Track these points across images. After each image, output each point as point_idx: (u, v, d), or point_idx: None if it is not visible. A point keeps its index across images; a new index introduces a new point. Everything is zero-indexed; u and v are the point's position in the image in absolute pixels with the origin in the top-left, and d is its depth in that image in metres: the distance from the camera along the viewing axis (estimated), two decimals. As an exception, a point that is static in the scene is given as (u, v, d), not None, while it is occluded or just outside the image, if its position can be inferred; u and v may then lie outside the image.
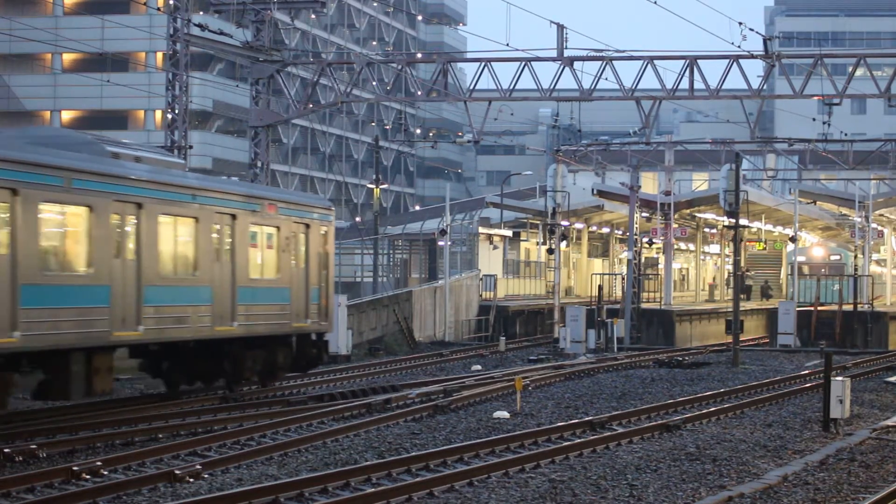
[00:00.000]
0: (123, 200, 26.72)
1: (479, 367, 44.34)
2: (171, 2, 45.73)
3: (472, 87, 47.01)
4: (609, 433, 25.98)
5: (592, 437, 25.11)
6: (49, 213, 24.73)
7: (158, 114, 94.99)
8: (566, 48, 45.10)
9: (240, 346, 31.78)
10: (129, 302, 26.89)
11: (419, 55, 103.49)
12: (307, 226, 34.03)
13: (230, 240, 30.62)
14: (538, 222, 73.88)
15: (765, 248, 77.41)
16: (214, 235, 30.02)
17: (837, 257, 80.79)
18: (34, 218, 24.11)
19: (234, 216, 30.68)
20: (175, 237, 28.79)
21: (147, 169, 28.00)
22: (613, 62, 45.26)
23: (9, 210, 23.48)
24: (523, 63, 45.50)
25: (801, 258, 76.97)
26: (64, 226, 25.43)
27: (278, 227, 32.67)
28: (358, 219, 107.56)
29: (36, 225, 24.15)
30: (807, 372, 42.05)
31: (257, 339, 32.36)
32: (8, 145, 24.44)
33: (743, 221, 49.65)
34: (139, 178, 27.40)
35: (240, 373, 32.26)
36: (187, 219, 29.06)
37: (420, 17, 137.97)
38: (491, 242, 75.37)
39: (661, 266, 78.10)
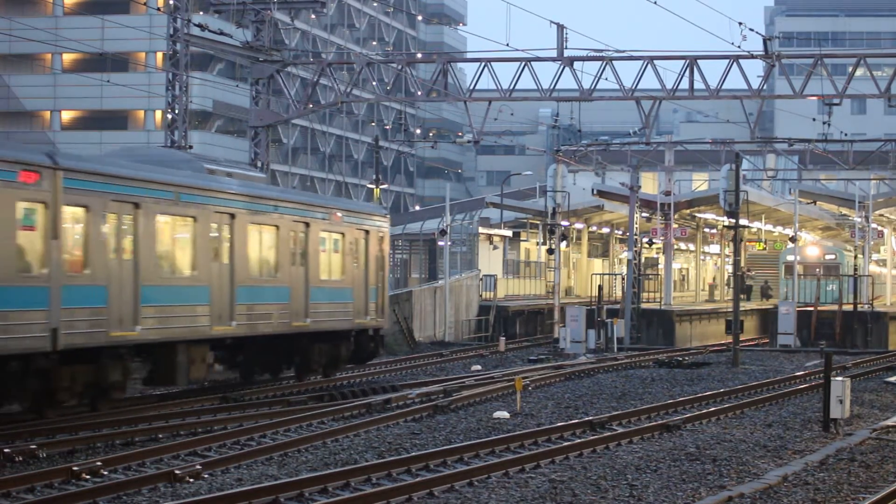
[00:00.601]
0: (220, 212, 30.44)
1: (479, 367, 44.34)
2: (171, 2, 45.75)
3: (472, 87, 47.03)
4: (609, 433, 25.98)
5: (592, 437, 25.11)
6: (163, 223, 28.50)
7: (158, 114, 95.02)
8: (566, 48, 45.13)
9: (309, 340, 35.12)
10: (225, 300, 30.58)
11: (419, 55, 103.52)
12: (367, 232, 37.56)
13: (304, 245, 34.26)
14: (538, 222, 73.88)
15: (765, 249, 77.41)
16: (291, 241, 33.69)
17: (833, 257, 77.59)
18: (152, 227, 27.94)
19: (307, 224, 34.32)
20: (260, 243, 32.35)
21: (237, 183, 31.77)
22: (613, 62, 45.27)
23: (132, 221, 27.39)
24: (523, 63, 45.51)
25: (792, 257, 74.50)
26: (174, 234, 29.08)
27: (343, 234, 36.28)
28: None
29: (153, 234, 28.01)
30: (806, 372, 42.04)
31: (324, 334, 35.62)
32: (132, 166, 28.26)
33: (743, 221, 49.67)
34: (232, 191, 31.14)
35: (307, 364, 35.67)
36: (270, 227, 32.74)
37: (420, 17, 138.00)
38: (491, 242, 75.37)
39: (661, 266, 78.12)
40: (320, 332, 35.12)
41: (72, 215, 25.74)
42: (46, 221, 25.00)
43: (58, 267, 25.25)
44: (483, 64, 46.43)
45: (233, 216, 30.94)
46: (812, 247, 77.23)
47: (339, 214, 36.27)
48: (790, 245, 73.20)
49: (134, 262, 27.48)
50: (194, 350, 29.72)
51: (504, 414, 29.26)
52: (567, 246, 71.06)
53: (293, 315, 33.62)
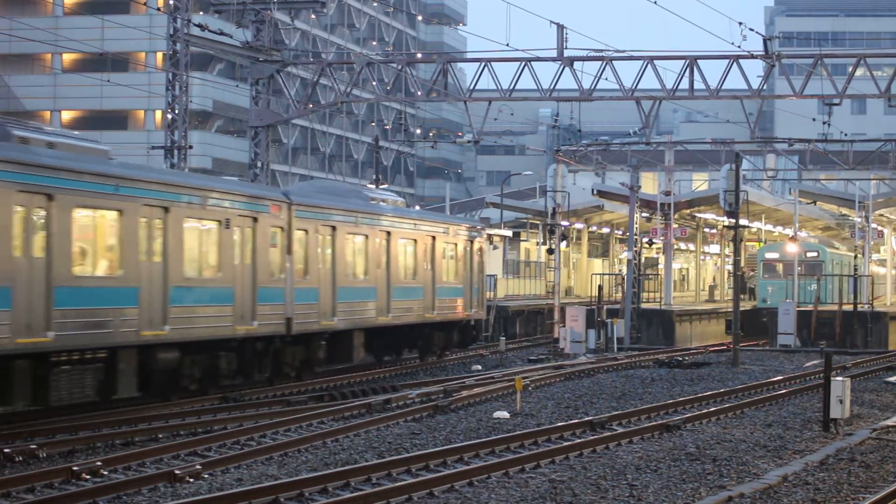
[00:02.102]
0: (381, 230, 40.00)
1: (479, 367, 44.34)
2: (171, 2, 45.75)
3: (472, 87, 47.02)
4: (609, 433, 25.97)
5: (592, 437, 25.10)
6: (349, 239, 38.01)
7: (158, 114, 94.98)
8: (566, 48, 45.13)
9: (431, 329, 44.38)
10: (384, 298, 40.01)
11: (419, 55, 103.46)
12: (471, 242, 47.24)
13: (432, 254, 43.69)
14: (538, 222, 73.93)
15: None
16: (425, 251, 43.16)
17: (815, 254, 71.50)
18: (343, 244, 37.53)
19: (434, 238, 43.87)
20: (405, 253, 41.90)
21: (391, 209, 41.43)
22: (613, 62, 45.27)
23: (332, 239, 36.82)
24: (523, 63, 45.50)
25: (773, 255, 70.74)
26: (354, 248, 38.38)
27: (456, 245, 45.99)
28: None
29: (344, 248, 37.60)
30: (805, 373, 42.03)
31: (443, 324, 45.03)
32: (329, 199, 37.72)
33: (743, 221, 49.67)
34: (388, 214, 40.80)
35: (427, 348, 44.95)
36: (410, 241, 42.22)
37: (420, 17, 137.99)
38: (491, 242, 75.38)
39: (661, 266, 78.10)
40: (441, 322, 44.64)
41: (298, 236, 34.98)
42: (284, 241, 34.29)
43: (290, 274, 34.43)
44: (483, 64, 46.42)
45: (389, 233, 40.50)
46: (792, 243, 71.92)
47: (454, 229, 45.92)
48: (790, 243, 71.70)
49: (332, 269, 36.77)
50: (359, 336, 38.72)
51: (504, 414, 29.26)
52: (567, 246, 71.06)
53: (425, 309, 43.19)
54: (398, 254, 41.08)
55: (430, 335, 44.55)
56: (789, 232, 70.74)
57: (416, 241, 42.36)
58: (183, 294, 29.56)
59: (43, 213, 25.16)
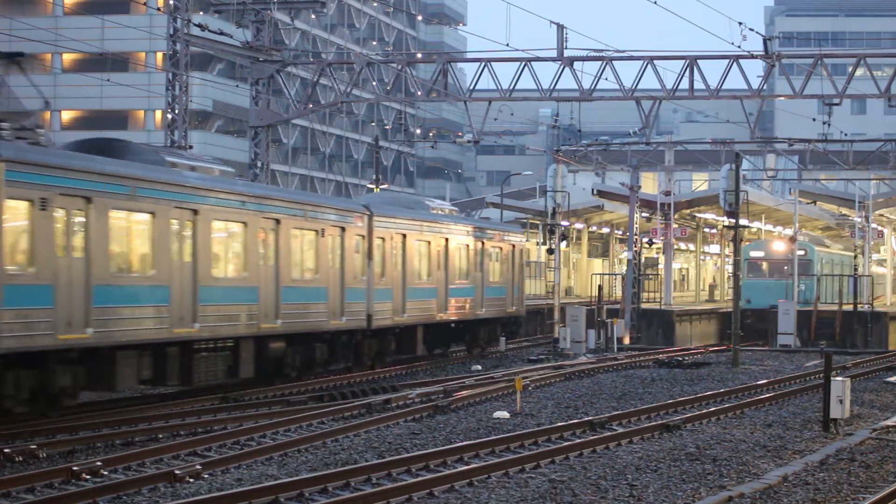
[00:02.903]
0: (443, 237, 45.19)
1: (479, 367, 44.34)
2: (171, 2, 45.75)
3: (472, 87, 47.03)
4: (609, 433, 25.97)
5: (592, 437, 25.09)
6: (416, 246, 43.10)
7: (158, 114, 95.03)
8: (566, 48, 45.15)
9: (478, 324, 49.11)
10: (442, 296, 45.04)
11: (419, 55, 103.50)
12: (513, 246, 51.76)
13: (481, 257, 48.55)
14: (538, 222, 73.83)
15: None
16: (475, 254, 48.01)
17: (802, 253, 67.35)
18: (412, 249, 42.58)
19: (482, 242, 48.75)
20: (460, 257, 46.61)
21: (450, 217, 47.34)
22: (613, 62, 45.28)
23: (402, 245, 41.82)
24: (523, 63, 45.51)
25: (757, 254, 67.93)
26: (419, 253, 43.32)
27: (501, 248, 50.59)
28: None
29: (412, 253, 42.50)
30: (805, 373, 42.03)
31: (489, 320, 49.73)
32: (398, 210, 42.86)
33: (743, 221, 49.64)
34: (445, 222, 46.04)
35: (475, 341, 49.26)
36: (464, 246, 47.14)
37: (420, 17, 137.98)
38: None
39: (661, 266, 78.07)
40: (488, 318, 49.39)
41: (377, 243, 39.94)
42: (365, 247, 39.14)
43: (371, 276, 39.37)
44: (483, 64, 46.43)
45: (447, 240, 45.39)
46: (778, 241, 68.83)
47: (499, 234, 50.74)
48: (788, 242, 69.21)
49: (403, 272, 41.88)
50: (420, 331, 43.87)
51: (504, 414, 29.26)
52: (567, 246, 71.02)
53: (476, 306, 47.99)
54: (454, 257, 46.12)
55: (477, 330, 49.33)
56: (789, 232, 70.53)
57: (468, 245, 47.56)
58: (290, 293, 34.48)
59: (190, 225, 29.96)
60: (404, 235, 41.98)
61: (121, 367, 27.72)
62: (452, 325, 47.10)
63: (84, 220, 26.25)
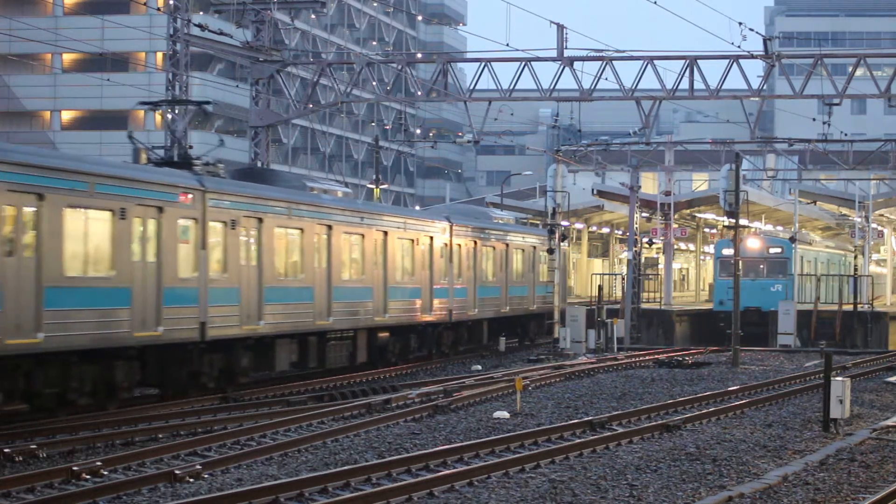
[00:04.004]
0: (505, 243, 52.43)
1: (479, 367, 44.35)
2: (171, 2, 45.74)
3: (472, 87, 47.02)
4: (609, 433, 25.97)
5: (592, 437, 25.10)
6: (486, 251, 50.37)
7: (158, 114, 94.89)
8: (566, 48, 45.14)
9: (529, 318, 56.10)
10: (504, 294, 52.04)
11: (419, 55, 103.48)
12: (534, 248, 56.56)
13: (534, 260, 55.73)
14: (538, 222, 73.75)
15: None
16: (530, 257, 55.25)
17: (778, 250, 63.10)
18: (483, 253, 49.92)
19: (535, 248, 56.13)
20: (518, 260, 53.83)
21: (512, 226, 54.90)
22: (613, 62, 45.27)
23: (474, 249, 48.80)
24: (523, 63, 45.51)
25: (731, 251, 58.68)
26: (487, 257, 50.31)
27: (534, 248, 56.45)
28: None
29: (483, 256, 49.73)
30: (804, 373, 42.02)
31: (538, 315, 56.75)
32: (471, 221, 49.71)
33: (743, 221, 49.58)
34: (508, 230, 53.63)
35: (525, 334, 56.41)
36: (520, 250, 54.26)
37: (420, 17, 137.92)
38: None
39: (661, 266, 78.04)
40: (538, 313, 56.41)
41: (455, 249, 47.03)
42: (447, 252, 46.36)
43: (451, 277, 46.41)
44: (483, 64, 46.43)
45: (507, 245, 52.60)
46: (753, 238, 63.46)
47: (545, 239, 57.49)
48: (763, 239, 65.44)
49: (474, 274, 48.79)
50: (486, 324, 50.68)
51: (504, 414, 29.26)
52: (567, 246, 71.00)
53: (529, 303, 55.26)
54: (514, 260, 53.28)
55: (527, 324, 56.36)
56: (789, 232, 70.41)
57: (523, 250, 54.59)
58: (394, 292, 41.61)
59: (326, 238, 37.08)
60: (475, 242, 49.16)
61: (279, 351, 34.51)
62: (512, 318, 53.84)
63: (257, 235, 33.42)
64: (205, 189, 30.93)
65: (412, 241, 43.08)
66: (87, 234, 26.83)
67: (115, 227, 27.62)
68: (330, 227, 37.21)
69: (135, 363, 28.90)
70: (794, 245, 65.05)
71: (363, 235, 39.41)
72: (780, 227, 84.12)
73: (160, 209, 29.18)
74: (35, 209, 25.17)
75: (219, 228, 31.58)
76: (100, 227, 27.26)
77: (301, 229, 35.54)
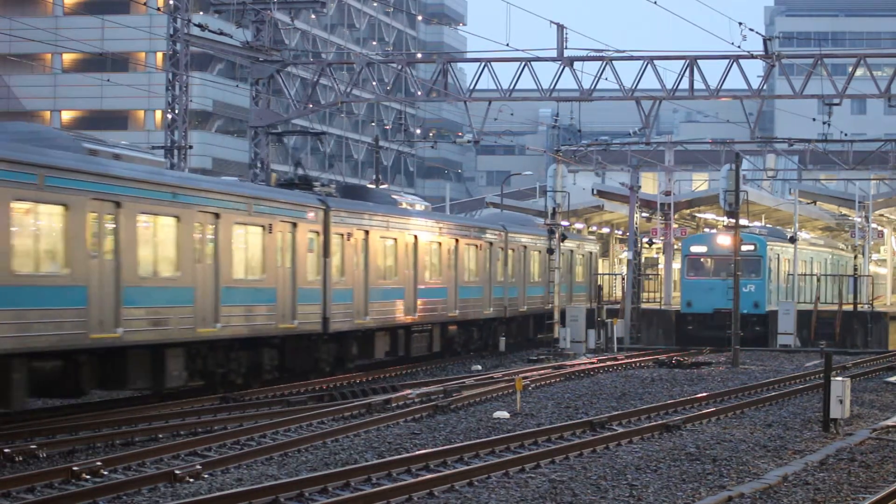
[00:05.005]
0: (523, 246, 55.74)
1: (479, 367, 44.35)
2: (171, 2, 45.75)
3: (472, 87, 47.00)
4: (609, 433, 25.97)
5: (592, 437, 25.10)
6: (533, 253, 56.57)
7: (158, 114, 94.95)
8: (566, 48, 45.10)
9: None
10: (547, 294, 56.47)
11: (419, 55, 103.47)
12: (591, 252, 64.73)
13: (571, 261, 61.77)
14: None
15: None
16: (562, 261, 58.02)
17: (751, 248, 57.37)
18: (520, 256, 55.18)
19: (572, 251, 61.97)
20: (561, 264, 57.30)
21: (536, 231, 57.48)
22: (613, 62, 45.25)
23: (513, 252, 53.86)
24: (523, 63, 45.49)
25: (699, 248, 58.52)
26: (538, 259, 57.21)
27: (571, 251, 61.95)
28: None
29: (516, 259, 54.52)
30: (804, 373, 42.01)
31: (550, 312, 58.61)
32: (517, 228, 55.45)
33: (743, 221, 49.52)
34: (535, 234, 57.04)
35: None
36: (569, 251, 60.38)
37: (420, 17, 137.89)
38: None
39: (661, 266, 77.99)
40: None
41: (510, 253, 53.09)
42: (503, 256, 52.37)
43: (507, 277, 52.66)
44: (483, 64, 46.41)
45: (525, 247, 56.05)
46: (723, 235, 58.89)
47: (581, 244, 64.57)
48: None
49: (523, 274, 54.78)
50: (533, 319, 56.69)
51: (504, 414, 29.26)
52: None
53: (568, 300, 59.16)
54: (531, 262, 57.14)
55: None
56: (789, 232, 70.32)
57: (562, 253, 58.52)
58: (463, 291, 47.86)
59: (412, 246, 43.24)
60: (524, 247, 55.24)
61: (377, 342, 40.97)
62: (551, 313, 56.74)
63: (364, 245, 39.74)
64: (327, 207, 37.50)
65: (476, 246, 49.64)
66: (247, 245, 33.24)
67: (265, 239, 33.99)
68: (416, 237, 43.75)
69: (275, 350, 34.87)
70: (794, 243, 64.99)
71: (440, 243, 46.10)
72: (756, 224, 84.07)
73: (294, 224, 35.64)
74: (212, 226, 31.58)
75: (337, 240, 38.01)
76: (255, 239, 33.67)
77: (395, 239, 42.25)
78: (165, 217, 29.73)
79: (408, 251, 43.12)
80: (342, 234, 38.21)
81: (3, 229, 24.66)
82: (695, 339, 55.69)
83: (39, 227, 25.83)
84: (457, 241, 47.27)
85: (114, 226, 27.82)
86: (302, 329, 35.72)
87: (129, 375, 28.65)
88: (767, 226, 74.40)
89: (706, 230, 64.27)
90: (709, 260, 57.86)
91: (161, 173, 30.63)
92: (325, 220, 37.28)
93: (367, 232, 39.77)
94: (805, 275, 66.05)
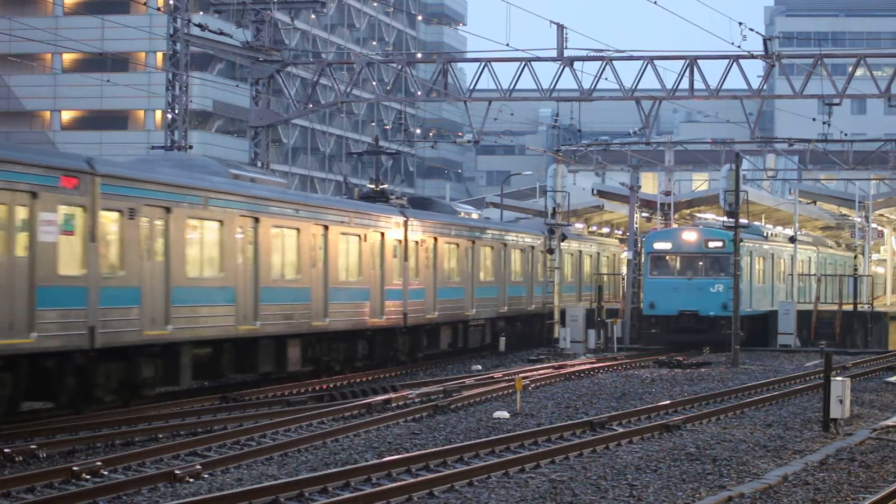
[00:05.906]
0: (580, 251, 64.04)
1: (479, 367, 44.35)
2: (171, 2, 45.76)
3: (472, 87, 47.03)
4: (609, 433, 25.97)
5: (592, 437, 25.10)
6: (568, 257, 62.22)
7: (158, 114, 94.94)
8: (566, 48, 45.13)
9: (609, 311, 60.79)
10: (579, 292, 63.65)
11: (419, 55, 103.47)
12: (598, 253, 67.55)
13: (591, 263, 66.89)
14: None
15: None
16: (591, 262, 66.62)
17: (719, 245, 53.38)
18: (567, 259, 61.96)
19: (598, 254, 68.40)
20: (587, 264, 65.60)
21: (577, 235, 63.83)
22: (613, 62, 45.27)
23: (559, 255, 58.62)
24: (523, 63, 45.51)
25: (663, 245, 54.50)
26: (568, 261, 62.54)
27: (598, 253, 68.24)
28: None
29: (564, 260, 60.69)
30: (804, 373, 42.00)
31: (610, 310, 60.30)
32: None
33: (743, 221, 49.52)
34: (580, 240, 64.83)
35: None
36: (588, 256, 65.86)
37: (420, 17, 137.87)
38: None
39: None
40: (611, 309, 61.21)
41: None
42: (542, 260, 57.60)
43: (557, 276, 57.59)
44: (483, 64, 46.43)
45: (581, 252, 64.55)
46: (689, 231, 55.20)
47: (606, 246, 70.37)
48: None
49: (561, 273, 58.66)
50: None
51: (504, 414, 29.26)
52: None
53: (580, 298, 63.69)
54: (585, 263, 64.09)
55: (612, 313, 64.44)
56: (789, 232, 70.33)
57: (591, 255, 66.06)
58: (511, 289, 53.60)
59: (472, 250, 48.95)
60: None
61: (442, 334, 46.53)
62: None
63: (433, 249, 45.36)
64: (406, 218, 43.06)
65: (522, 250, 55.27)
66: (348, 251, 38.77)
67: (361, 246, 39.61)
68: (473, 242, 49.31)
69: (366, 342, 40.38)
70: (794, 242, 64.96)
71: (492, 247, 51.64)
72: (780, 227, 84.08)
73: (382, 234, 41.22)
74: (323, 237, 37.07)
75: (413, 246, 43.57)
76: (354, 247, 39.18)
77: (457, 244, 47.63)
78: (289, 230, 35.34)
79: (467, 255, 48.74)
80: (417, 241, 43.88)
81: (179, 241, 30.05)
82: (660, 343, 52.99)
83: (204, 239, 31.31)
84: (505, 245, 53.24)
85: (253, 237, 33.31)
86: (388, 323, 41.48)
87: (260, 361, 34.01)
88: (744, 221, 72.66)
89: (672, 226, 60.91)
90: (674, 258, 54.14)
91: (285, 193, 36.92)
92: (405, 228, 43.01)
93: (435, 238, 45.53)
94: (794, 275, 65.69)
